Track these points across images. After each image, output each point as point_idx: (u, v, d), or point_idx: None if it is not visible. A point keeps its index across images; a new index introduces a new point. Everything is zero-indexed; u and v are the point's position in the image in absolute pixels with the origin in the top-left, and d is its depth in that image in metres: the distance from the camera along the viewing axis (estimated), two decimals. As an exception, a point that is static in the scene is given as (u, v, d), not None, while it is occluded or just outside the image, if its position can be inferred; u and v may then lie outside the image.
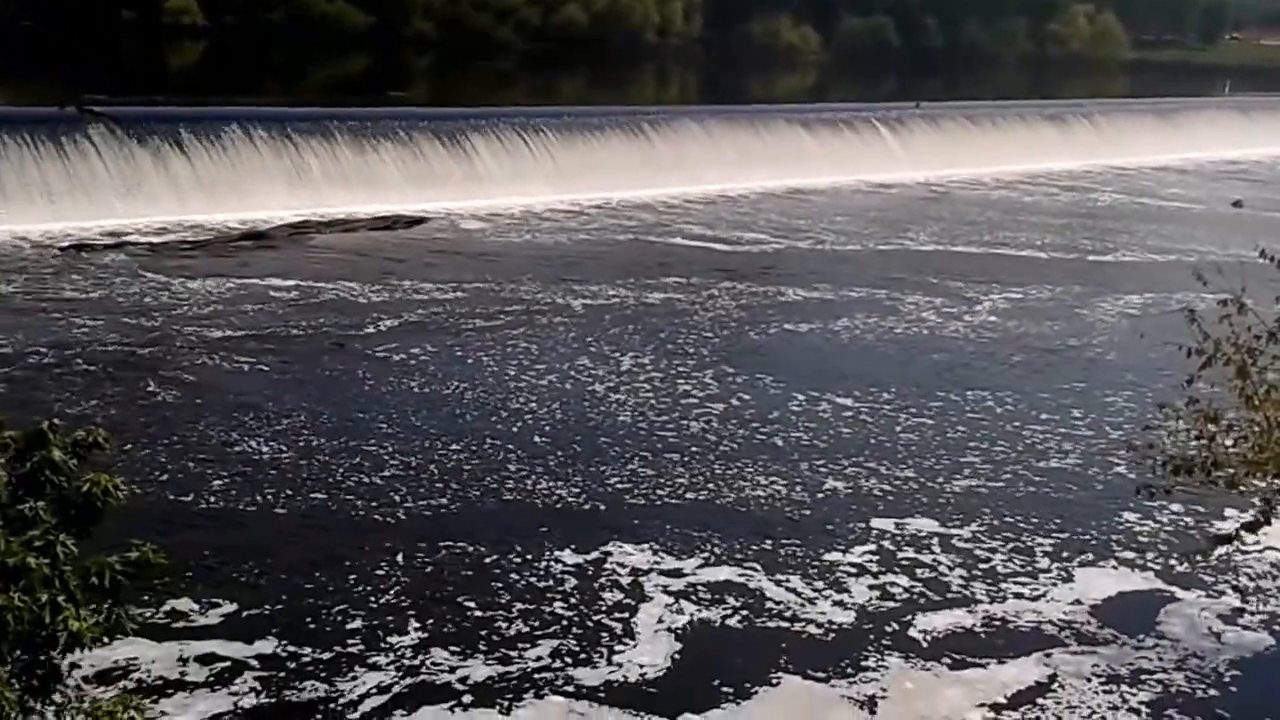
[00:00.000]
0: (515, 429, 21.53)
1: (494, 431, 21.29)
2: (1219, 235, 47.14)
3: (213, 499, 17.75)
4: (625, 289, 33.85)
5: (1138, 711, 13.03)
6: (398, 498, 18.11)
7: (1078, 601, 15.82)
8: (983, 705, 13.01)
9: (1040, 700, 13.23)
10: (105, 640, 7.71)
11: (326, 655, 13.53)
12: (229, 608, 14.34)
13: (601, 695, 13.08)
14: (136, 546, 8.07)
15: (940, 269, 39.32)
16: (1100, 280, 37.98)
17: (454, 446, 20.39)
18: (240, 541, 16.30)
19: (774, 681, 13.46)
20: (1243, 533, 7.83)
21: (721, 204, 52.09)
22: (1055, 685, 13.58)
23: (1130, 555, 17.24)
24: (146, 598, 13.64)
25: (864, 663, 14.00)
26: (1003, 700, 13.14)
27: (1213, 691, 13.67)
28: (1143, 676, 13.80)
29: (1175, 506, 18.06)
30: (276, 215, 39.98)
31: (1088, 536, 17.89)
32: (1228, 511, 17.30)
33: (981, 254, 43.25)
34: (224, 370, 24.16)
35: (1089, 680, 13.65)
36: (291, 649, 13.56)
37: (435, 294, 32.04)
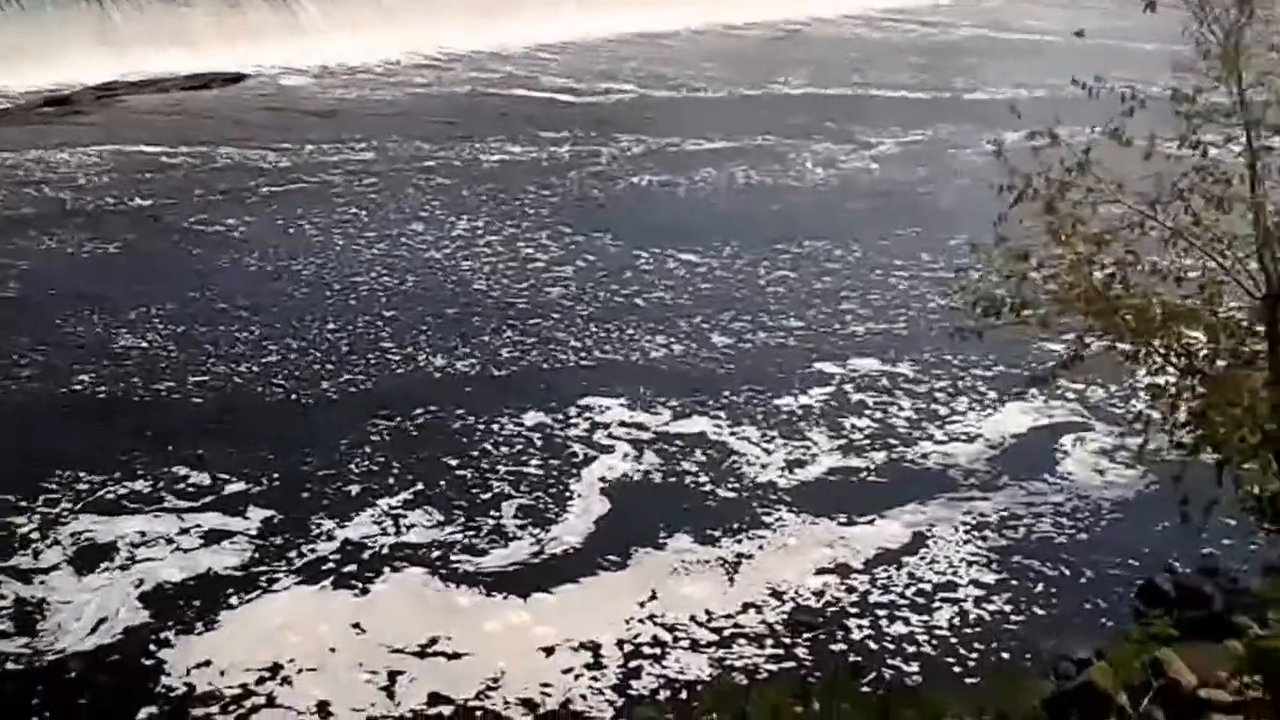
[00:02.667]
0: (367, 302, 20.83)
1: (347, 307, 20.60)
2: (1072, 66, 48.18)
3: (98, 391, 16.92)
4: (462, 147, 32.64)
5: (989, 563, 13.22)
6: (282, 379, 17.53)
7: (947, 445, 16.13)
8: (834, 566, 13.18)
9: (902, 556, 13.44)
10: None
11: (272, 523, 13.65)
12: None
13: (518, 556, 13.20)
14: None
15: (810, 113, 38.93)
16: (968, 118, 38.28)
17: (329, 325, 19.68)
18: (150, 428, 15.76)
19: (661, 544, 13.48)
20: (1058, 371, 8.04)
21: (572, 51, 50.67)
22: (917, 537, 13.83)
23: (977, 397, 17.53)
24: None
25: (755, 518, 14.10)
26: (857, 560, 13.26)
27: (1058, 531, 14.10)
28: (1007, 523, 14.12)
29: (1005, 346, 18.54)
30: (81, 79, 37.36)
31: (956, 382, 18.11)
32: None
33: (852, 95, 43.31)
34: (45, 252, 22.86)
35: (956, 529, 13.96)
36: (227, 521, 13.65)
37: (255, 158, 30.53)
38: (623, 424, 16.54)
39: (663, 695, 10.80)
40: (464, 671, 11.03)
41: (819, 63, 49.43)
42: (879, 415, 17.17)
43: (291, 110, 37.04)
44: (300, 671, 10.89)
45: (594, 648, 11.44)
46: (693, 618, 12.04)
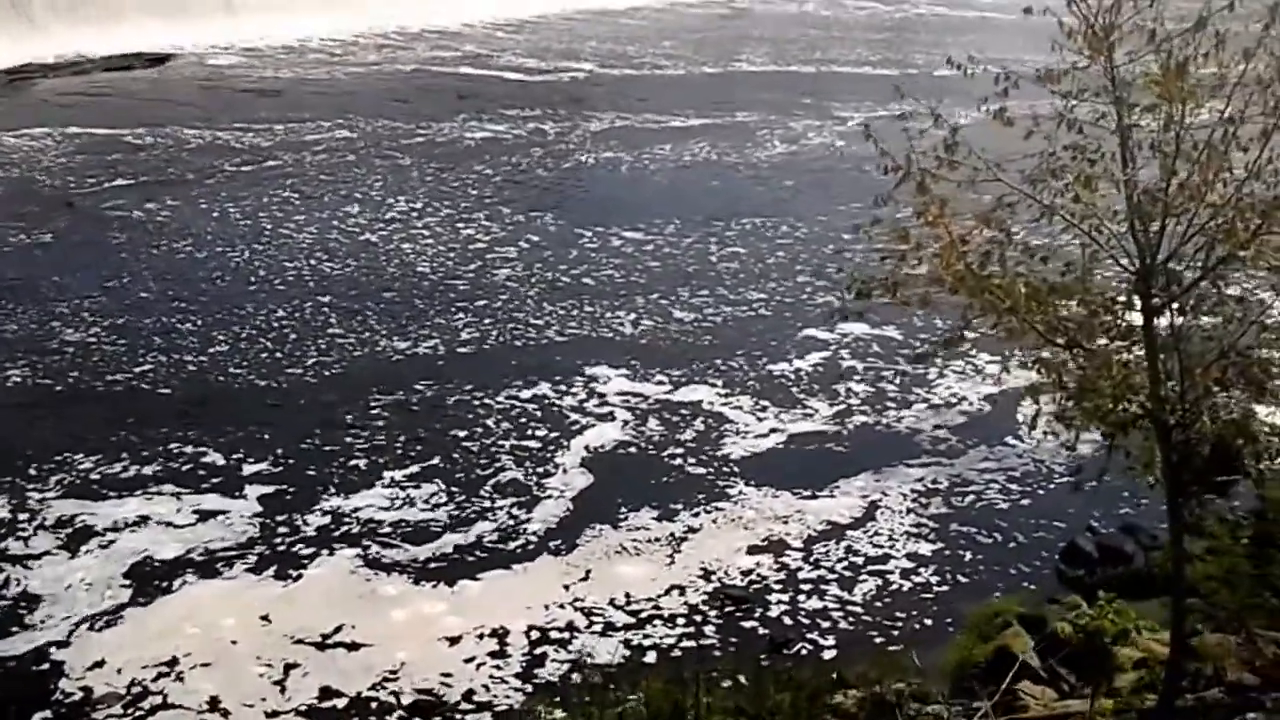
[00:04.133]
0: (310, 286, 21.06)
1: (290, 292, 20.81)
2: (1022, 42, 49.29)
3: (38, 385, 16.95)
4: (409, 127, 32.92)
5: (926, 532, 13.78)
6: (235, 367, 17.74)
7: (910, 412, 16.90)
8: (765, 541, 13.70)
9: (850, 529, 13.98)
10: None
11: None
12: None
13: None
14: None
15: (773, 90, 39.67)
16: (934, 93, 39.09)
17: (276, 311, 19.92)
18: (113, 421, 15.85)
19: (617, 521, 13.86)
20: (940, 350, 8.57)
21: (532, 29, 51.07)
22: (864, 508, 14.41)
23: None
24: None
25: (718, 491, 14.59)
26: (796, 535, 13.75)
27: (1003, 496, 14.75)
28: (954, 490, 14.81)
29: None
30: (-8, 61, 36.90)
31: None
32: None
33: (814, 73, 44.05)
34: None
35: (904, 497, 14.61)
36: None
37: (183, 142, 30.55)
38: (591, 400, 17.00)
39: (563, 683, 10.97)
40: (362, 663, 11.19)
41: (779, 40, 50.13)
42: (848, 383, 17.80)
43: (219, 90, 36.87)
44: (195, 667, 11.06)
45: (502, 635, 11.63)
46: (612, 600, 12.31)
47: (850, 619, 12.19)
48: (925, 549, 13.60)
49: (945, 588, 12.82)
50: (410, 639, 11.59)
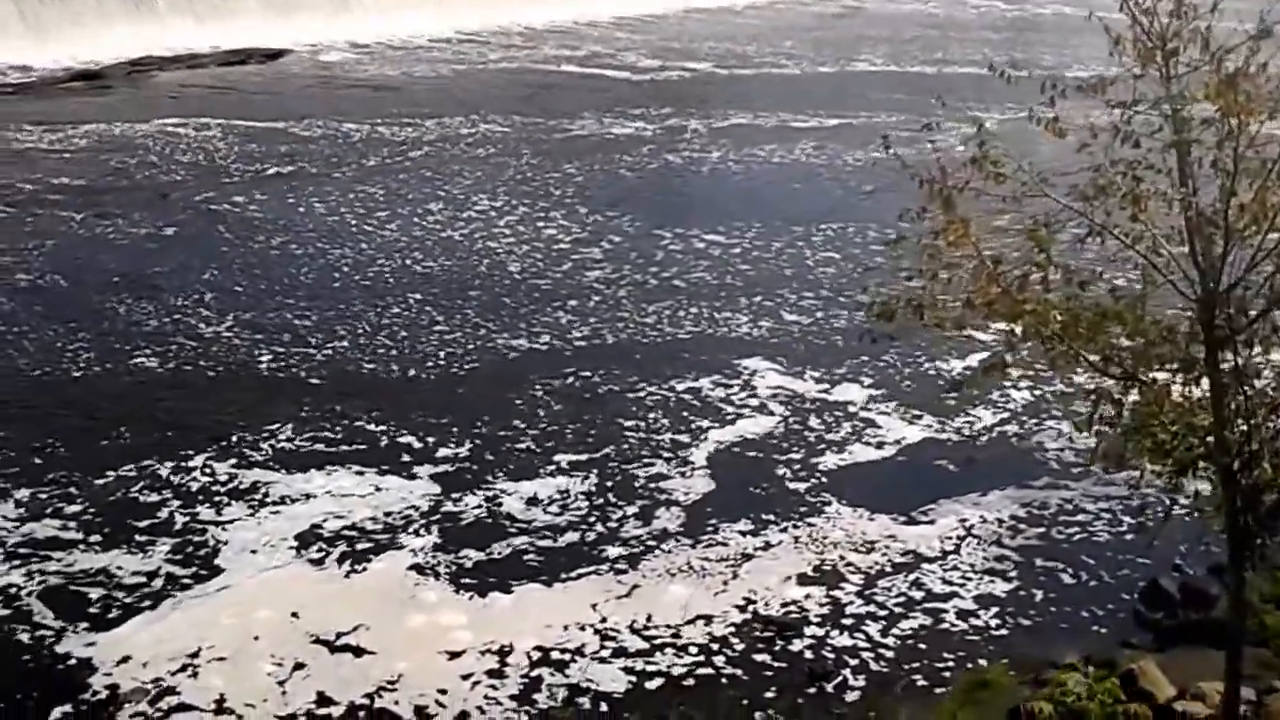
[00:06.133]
0: (415, 284, 21.13)
1: (394, 288, 20.96)
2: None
3: (176, 372, 17.39)
4: (519, 126, 32.97)
5: (1004, 565, 13.07)
6: (365, 363, 18.02)
7: (1016, 432, 16.32)
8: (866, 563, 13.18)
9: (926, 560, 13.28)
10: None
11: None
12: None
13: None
14: None
15: (892, 90, 38.91)
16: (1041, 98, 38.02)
17: (390, 307, 20.08)
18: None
19: (697, 535, 13.56)
20: (982, 376, 7.91)
21: (653, 27, 51.02)
22: (946, 537, 13.75)
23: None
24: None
25: (811, 508, 14.23)
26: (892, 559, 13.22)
27: (1105, 530, 13.82)
28: (1033, 521, 13.99)
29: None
30: (114, 53, 38.19)
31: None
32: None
33: (936, 74, 43.00)
34: (74, 233, 23.27)
35: (994, 525, 13.96)
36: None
37: (286, 135, 30.98)
38: (719, 402, 16.91)
39: (565, 707, 10.66)
40: (364, 670, 11.01)
41: (896, 39, 49.16)
42: (988, 394, 16.97)
43: (329, 86, 37.58)
44: (213, 661, 11.05)
45: (506, 653, 11.28)
46: (631, 625, 11.82)
47: (887, 660, 11.49)
48: (1000, 588, 12.74)
49: (1005, 630, 12.01)
50: (418, 650, 11.36)
